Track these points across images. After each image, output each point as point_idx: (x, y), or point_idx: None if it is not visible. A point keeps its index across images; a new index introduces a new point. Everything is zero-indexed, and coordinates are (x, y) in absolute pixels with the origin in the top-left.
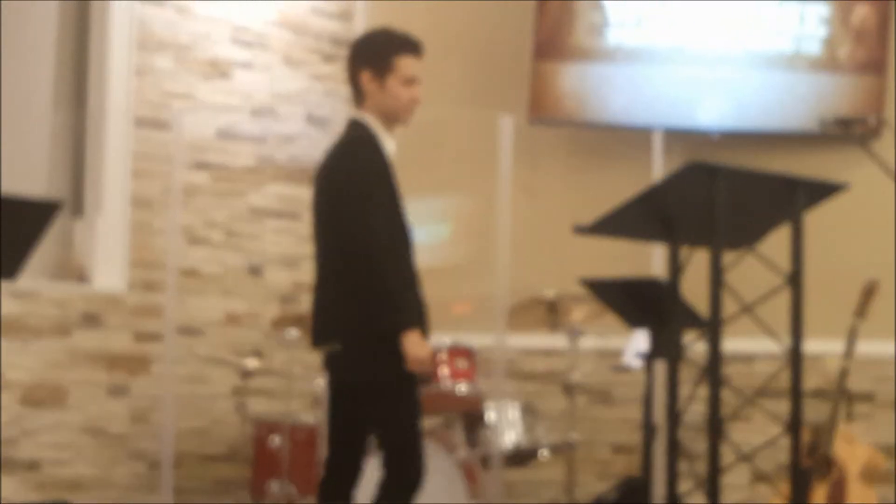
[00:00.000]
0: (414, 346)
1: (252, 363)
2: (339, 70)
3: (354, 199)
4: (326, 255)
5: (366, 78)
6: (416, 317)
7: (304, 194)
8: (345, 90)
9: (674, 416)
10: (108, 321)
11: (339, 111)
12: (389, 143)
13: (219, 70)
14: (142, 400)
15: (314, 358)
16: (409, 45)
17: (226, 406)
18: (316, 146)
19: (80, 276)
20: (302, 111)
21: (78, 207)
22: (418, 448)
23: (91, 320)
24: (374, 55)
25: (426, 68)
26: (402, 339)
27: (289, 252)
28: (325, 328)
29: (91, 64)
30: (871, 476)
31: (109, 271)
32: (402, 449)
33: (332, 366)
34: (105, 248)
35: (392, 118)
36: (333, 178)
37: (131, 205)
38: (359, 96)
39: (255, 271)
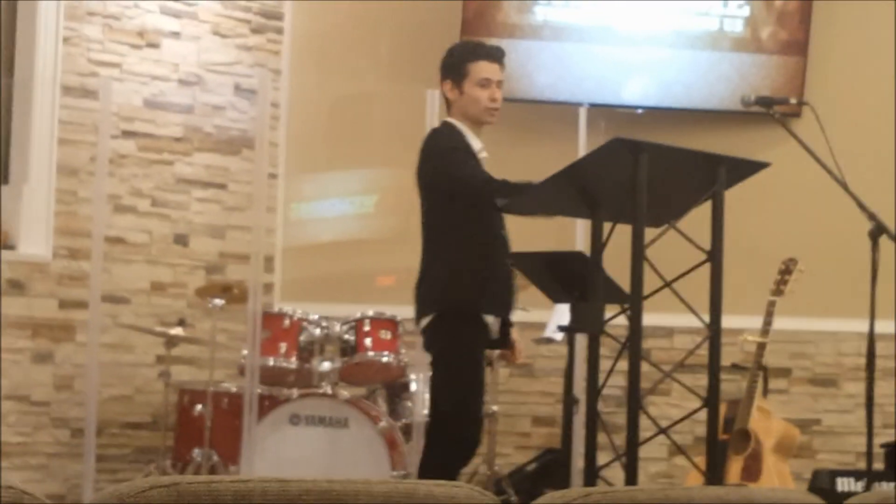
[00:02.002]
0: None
1: (177, 332)
2: (267, 41)
3: (437, 168)
4: (423, 240)
5: (447, 87)
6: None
7: (231, 164)
8: (273, 62)
9: (594, 390)
10: (32, 288)
11: (266, 82)
12: (477, 143)
13: (147, 39)
14: (66, 367)
15: (238, 327)
16: (480, 51)
17: (150, 374)
18: (243, 117)
19: (6, 243)
20: (230, 82)
21: (4, 175)
22: (471, 409)
23: (16, 287)
24: (451, 66)
25: (355, 43)
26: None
27: (215, 222)
28: (424, 299)
29: (19, 32)
30: (785, 450)
31: (35, 239)
32: (450, 412)
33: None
34: (31, 215)
35: (476, 120)
36: (421, 162)
37: (58, 173)
38: (447, 106)
39: (180, 240)
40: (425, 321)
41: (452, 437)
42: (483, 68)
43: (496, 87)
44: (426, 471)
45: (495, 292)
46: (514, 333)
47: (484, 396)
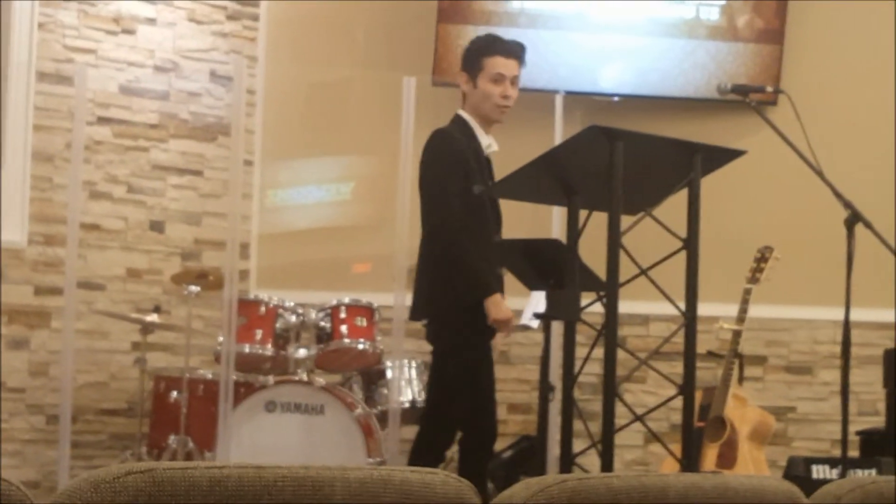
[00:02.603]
0: (496, 308)
1: (152, 318)
2: (243, 28)
3: (429, 185)
4: (422, 237)
5: (462, 80)
6: (495, 283)
7: (206, 151)
8: (249, 48)
9: (570, 377)
10: (8, 275)
11: (242, 69)
12: (485, 139)
13: (122, 26)
14: (41, 354)
15: (214, 314)
16: (497, 45)
17: (125, 361)
18: (219, 103)
19: None
20: (206, 68)
21: None
22: (448, 416)
23: None
24: (467, 59)
25: (331, 30)
26: (486, 304)
27: (190, 208)
28: (416, 305)
29: None
30: (761, 437)
31: (10, 225)
32: (436, 412)
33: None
34: (6, 201)
35: (485, 115)
36: (420, 167)
37: (33, 159)
38: (462, 98)
39: (156, 227)
40: (425, 319)
41: (438, 433)
42: (498, 63)
43: (510, 84)
44: (416, 456)
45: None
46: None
47: (481, 395)
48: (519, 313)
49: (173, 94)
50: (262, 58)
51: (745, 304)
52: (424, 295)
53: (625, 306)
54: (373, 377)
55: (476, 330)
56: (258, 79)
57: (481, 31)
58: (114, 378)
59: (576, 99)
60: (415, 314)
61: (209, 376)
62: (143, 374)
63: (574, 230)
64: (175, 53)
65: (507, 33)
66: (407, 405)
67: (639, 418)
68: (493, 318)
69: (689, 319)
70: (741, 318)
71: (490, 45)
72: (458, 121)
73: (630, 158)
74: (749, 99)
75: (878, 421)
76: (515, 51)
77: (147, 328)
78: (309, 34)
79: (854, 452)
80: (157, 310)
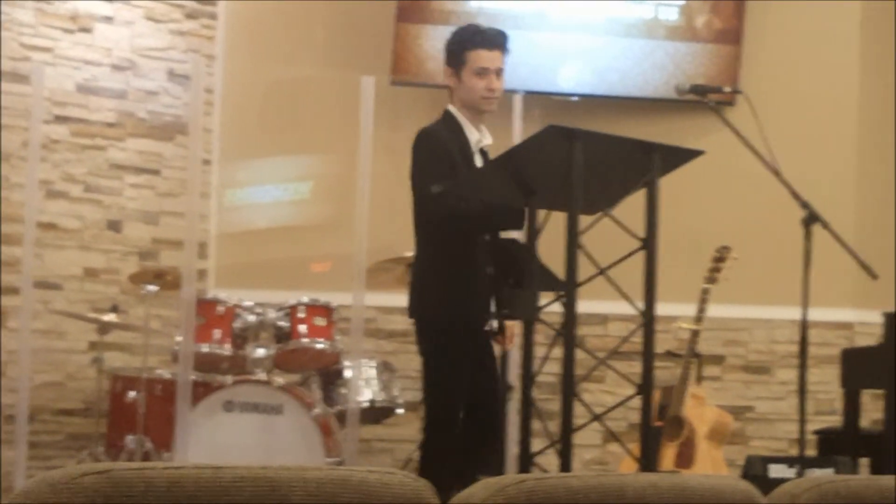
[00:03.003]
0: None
1: (110, 318)
2: (201, 27)
3: (415, 185)
4: (416, 236)
5: (447, 74)
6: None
7: (164, 150)
8: (207, 47)
9: (528, 377)
10: None
11: (200, 68)
12: (475, 134)
13: (80, 24)
14: None
15: (172, 313)
16: (478, 38)
17: (82, 360)
18: (177, 102)
19: None
20: (163, 67)
21: None
22: (440, 417)
23: None
24: (450, 53)
25: (290, 29)
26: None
27: (148, 208)
28: (409, 302)
29: None
30: (719, 436)
31: None
32: (429, 414)
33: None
34: None
35: (473, 108)
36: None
37: None
38: (450, 92)
39: (113, 226)
40: (413, 321)
41: (435, 434)
42: (480, 57)
43: (495, 76)
44: (424, 462)
45: (469, 302)
46: (512, 326)
47: (460, 395)
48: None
49: (131, 93)
50: (220, 57)
51: (703, 303)
52: (416, 293)
53: (583, 306)
54: (331, 377)
55: (458, 333)
56: (216, 78)
57: (440, 30)
58: (71, 378)
59: (535, 98)
60: (408, 312)
61: (167, 376)
62: (100, 373)
63: (532, 229)
64: (133, 52)
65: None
66: (366, 405)
67: (597, 418)
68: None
69: (648, 319)
70: (699, 318)
71: (471, 38)
72: (445, 116)
73: (589, 158)
74: (707, 99)
75: (836, 420)
76: (497, 41)
77: (104, 328)
78: (267, 33)
79: (811, 451)
80: (114, 309)
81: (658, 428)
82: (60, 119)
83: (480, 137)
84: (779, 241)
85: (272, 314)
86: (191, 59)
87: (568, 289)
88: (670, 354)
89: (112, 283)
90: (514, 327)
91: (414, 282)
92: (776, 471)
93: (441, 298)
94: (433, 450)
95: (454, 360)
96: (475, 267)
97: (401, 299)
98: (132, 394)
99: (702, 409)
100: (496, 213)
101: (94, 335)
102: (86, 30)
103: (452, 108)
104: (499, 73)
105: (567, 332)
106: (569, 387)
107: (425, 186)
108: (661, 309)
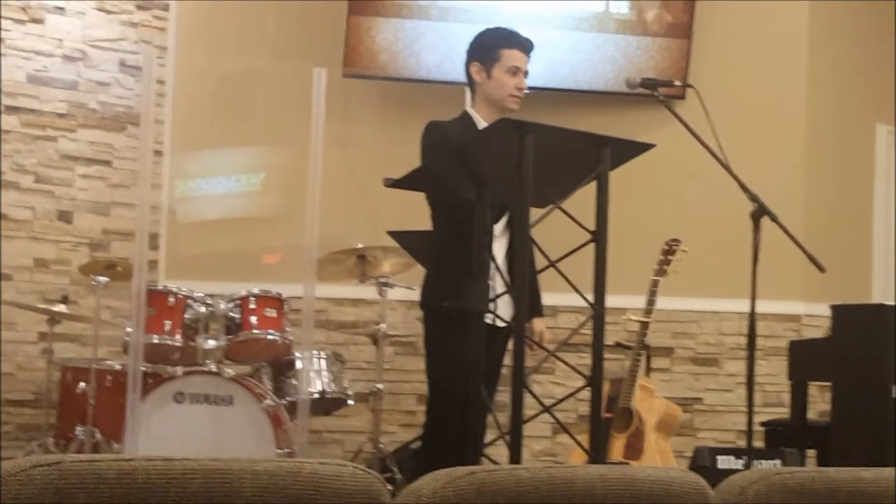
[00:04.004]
0: None
1: (60, 308)
2: (153, 17)
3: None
4: None
5: (474, 69)
6: None
7: (116, 141)
8: (159, 38)
9: (478, 368)
10: None
11: (152, 59)
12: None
13: (31, 15)
14: None
15: (123, 304)
16: (515, 39)
17: (32, 351)
18: (129, 93)
19: None
20: (115, 58)
21: None
22: (441, 402)
23: None
24: (482, 48)
25: (242, 20)
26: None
27: (99, 198)
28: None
29: None
30: (667, 428)
31: None
32: (430, 398)
33: None
34: None
35: (498, 104)
36: None
37: None
38: (471, 88)
39: (64, 217)
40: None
41: (434, 420)
42: (515, 56)
43: (523, 77)
44: (424, 446)
45: (468, 292)
46: (538, 323)
47: (461, 384)
48: None
49: (82, 84)
50: (172, 48)
51: (652, 296)
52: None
53: None
54: (282, 368)
55: (452, 322)
56: (168, 69)
57: (392, 23)
58: (20, 369)
59: None
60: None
61: (117, 367)
62: (50, 364)
63: (484, 221)
64: (84, 43)
65: (418, 26)
66: (316, 396)
67: (547, 409)
68: None
69: (598, 311)
70: (649, 310)
71: (508, 38)
72: (462, 115)
73: (540, 151)
74: (657, 93)
75: (784, 412)
76: (530, 47)
77: (54, 318)
78: (219, 24)
79: (759, 443)
80: (64, 300)
81: (607, 419)
82: (11, 109)
83: None
84: (728, 235)
85: (223, 305)
86: (142, 50)
87: (518, 281)
88: (620, 346)
89: (62, 274)
90: (541, 324)
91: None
92: (724, 462)
93: (437, 283)
94: (431, 435)
95: (447, 345)
96: (471, 255)
97: (351, 291)
98: (82, 385)
99: (651, 400)
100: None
101: (45, 326)
102: (37, 20)
103: (471, 110)
104: (525, 74)
105: (517, 323)
106: (518, 378)
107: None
108: (611, 301)
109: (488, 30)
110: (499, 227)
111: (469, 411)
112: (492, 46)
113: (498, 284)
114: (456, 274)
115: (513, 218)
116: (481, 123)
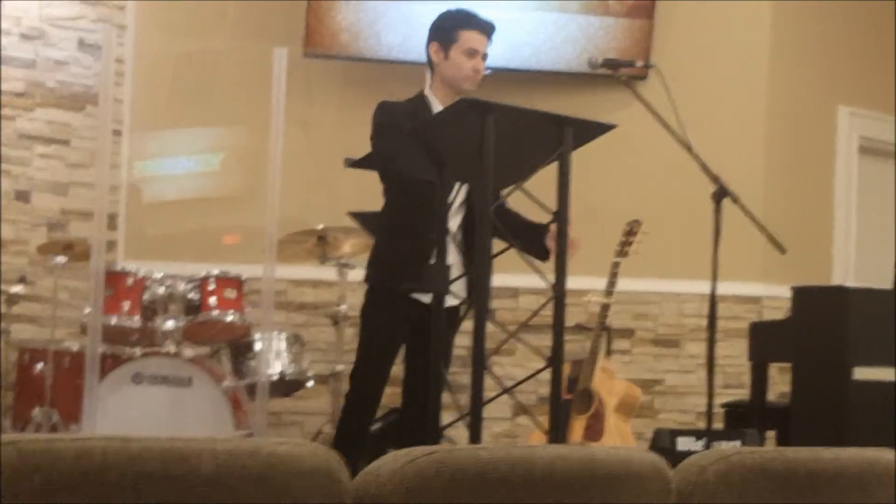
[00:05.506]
0: None
1: (17, 289)
2: None
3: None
4: None
5: (433, 49)
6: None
7: (74, 120)
8: (118, 17)
9: (438, 349)
10: None
11: (111, 38)
12: (437, 109)
13: None
14: None
15: (81, 285)
16: (474, 21)
17: None
18: (87, 72)
19: None
20: (74, 37)
21: None
22: (360, 374)
23: None
24: (441, 29)
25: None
26: None
27: (57, 178)
28: None
29: None
30: (627, 409)
31: None
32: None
33: None
34: None
35: (454, 85)
36: None
37: None
38: (429, 68)
39: (22, 197)
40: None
41: (350, 396)
42: (473, 38)
43: (481, 59)
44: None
45: (410, 269)
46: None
47: (383, 366)
48: None
49: (40, 63)
50: (131, 27)
51: (613, 277)
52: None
53: (494, 279)
54: (241, 349)
55: (381, 306)
56: (127, 48)
57: (353, 4)
58: None
59: None
60: None
61: (75, 348)
62: (7, 345)
63: (444, 203)
64: (42, 21)
65: (379, 6)
66: (275, 377)
67: (507, 391)
68: None
69: (558, 293)
70: (609, 292)
71: (467, 19)
72: (416, 95)
73: (501, 131)
74: (619, 73)
75: (743, 394)
76: (489, 29)
77: (12, 299)
78: (178, 3)
79: (719, 424)
80: (22, 280)
81: (567, 401)
82: None
83: None
84: (689, 216)
85: (182, 286)
86: (101, 29)
87: (479, 261)
88: (580, 328)
89: (20, 255)
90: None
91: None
92: (684, 443)
93: (375, 263)
94: (345, 414)
95: (377, 324)
96: (414, 233)
97: (311, 272)
98: (40, 366)
99: (611, 382)
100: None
101: (2, 307)
102: None
103: (428, 91)
104: (484, 57)
105: (478, 304)
106: (479, 360)
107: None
108: (572, 282)
109: (449, 11)
110: (454, 205)
111: (430, 391)
112: (450, 27)
113: (452, 259)
114: (404, 253)
115: (471, 197)
116: (436, 106)
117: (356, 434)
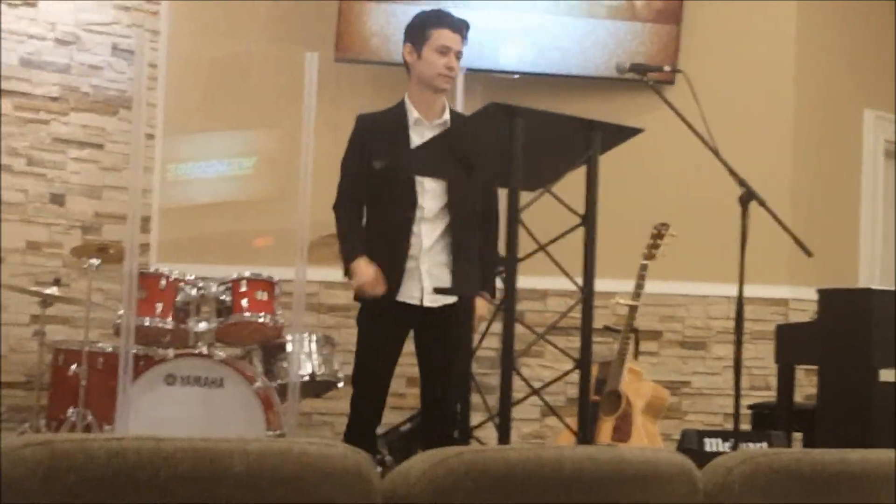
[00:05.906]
0: (356, 273)
1: (52, 291)
2: (144, 1)
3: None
4: None
5: (406, 50)
6: (359, 248)
7: (107, 124)
8: (152, 22)
9: (468, 351)
10: None
11: (144, 43)
12: (414, 114)
13: None
14: None
15: (114, 287)
16: (445, 19)
17: (24, 333)
18: (121, 77)
19: None
20: (108, 41)
21: None
22: (360, 380)
23: None
24: (413, 29)
25: (234, 4)
26: (351, 269)
27: (91, 182)
28: None
29: None
30: (655, 411)
31: None
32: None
33: None
34: None
35: (429, 85)
36: None
37: None
38: (406, 69)
39: (56, 200)
40: None
41: (352, 402)
42: (444, 36)
43: (454, 57)
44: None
45: (387, 276)
46: (481, 306)
47: (381, 371)
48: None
49: (74, 68)
50: (164, 31)
51: (641, 279)
52: None
53: (523, 281)
54: (273, 351)
55: (370, 314)
56: (160, 53)
57: (384, 8)
58: (13, 351)
59: (477, 76)
60: None
61: (109, 349)
62: (42, 346)
63: (474, 206)
64: (76, 26)
65: (408, 10)
66: (306, 378)
67: (536, 392)
68: (353, 285)
69: (587, 295)
70: (637, 294)
71: (438, 18)
72: (398, 103)
73: (529, 135)
74: (647, 78)
75: (770, 395)
76: (461, 26)
77: (47, 301)
78: (211, 8)
79: (746, 426)
80: (56, 282)
81: (595, 402)
82: (3, 93)
83: (417, 118)
84: (716, 219)
85: (214, 288)
86: (135, 34)
87: (508, 264)
88: (608, 330)
89: (55, 257)
90: (482, 308)
91: None
92: (711, 444)
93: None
94: (351, 418)
95: (370, 330)
96: (385, 241)
97: (342, 274)
98: (74, 367)
99: (639, 383)
100: (345, 245)
101: (37, 308)
102: (30, 4)
103: (406, 98)
104: (458, 55)
105: (507, 307)
106: (508, 361)
107: (341, 168)
108: (600, 285)
109: (423, 11)
110: (433, 209)
111: (461, 393)
112: (422, 27)
113: (423, 266)
114: (382, 260)
115: (489, 201)
116: (412, 112)
117: (362, 437)
